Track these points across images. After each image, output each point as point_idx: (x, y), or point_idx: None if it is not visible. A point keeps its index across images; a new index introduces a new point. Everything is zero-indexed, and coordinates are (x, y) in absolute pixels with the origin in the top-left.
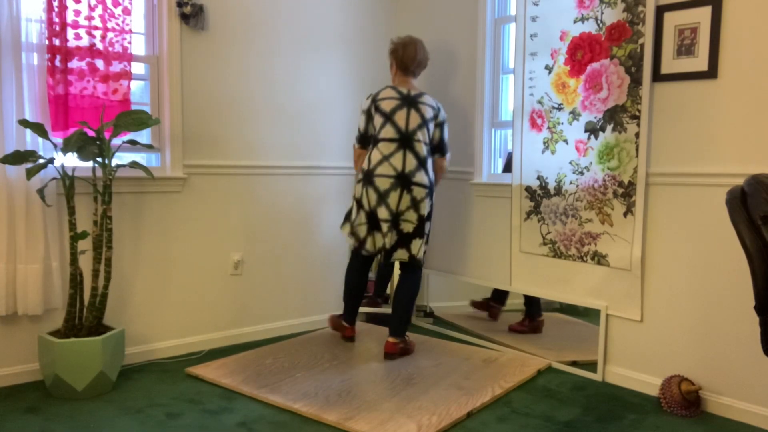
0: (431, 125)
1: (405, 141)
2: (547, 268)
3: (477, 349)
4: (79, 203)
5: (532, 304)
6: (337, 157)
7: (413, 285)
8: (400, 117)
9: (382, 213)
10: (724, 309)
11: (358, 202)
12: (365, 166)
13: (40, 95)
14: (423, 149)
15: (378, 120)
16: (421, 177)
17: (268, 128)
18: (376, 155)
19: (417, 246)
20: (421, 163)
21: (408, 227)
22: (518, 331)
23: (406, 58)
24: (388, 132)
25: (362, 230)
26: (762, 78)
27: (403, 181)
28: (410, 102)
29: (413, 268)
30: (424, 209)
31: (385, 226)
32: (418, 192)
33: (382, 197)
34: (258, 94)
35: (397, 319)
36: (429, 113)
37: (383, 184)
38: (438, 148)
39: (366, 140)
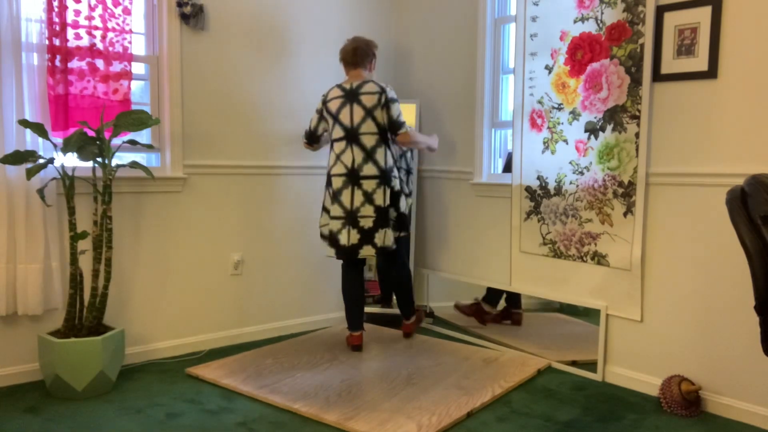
0: (376, 112)
1: (351, 137)
2: (547, 268)
3: (477, 349)
4: (79, 203)
5: (511, 296)
6: None
7: (400, 272)
8: (344, 115)
9: (335, 210)
10: (724, 309)
11: (323, 204)
12: (327, 169)
13: (40, 95)
14: (370, 140)
15: (330, 121)
16: (368, 169)
17: (268, 128)
18: (332, 156)
19: (381, 237)
20: (368, 155)
21: (367, 222)
22: (496, 322)
23: (344, 53)
24: (338, 132)
25: (324, 231)
26: (762, 78)
27: (353, 177)
28: (352, 96)
29: (392, 259)
30: (380, 199)
31: (337, 224)
32: (368, 185)
33: (335, 196)
34: (258, 93)
35: (404, 304)
36: (371, 102)
37: (336, 182)
38: (390, 127)
39: (312, 137)
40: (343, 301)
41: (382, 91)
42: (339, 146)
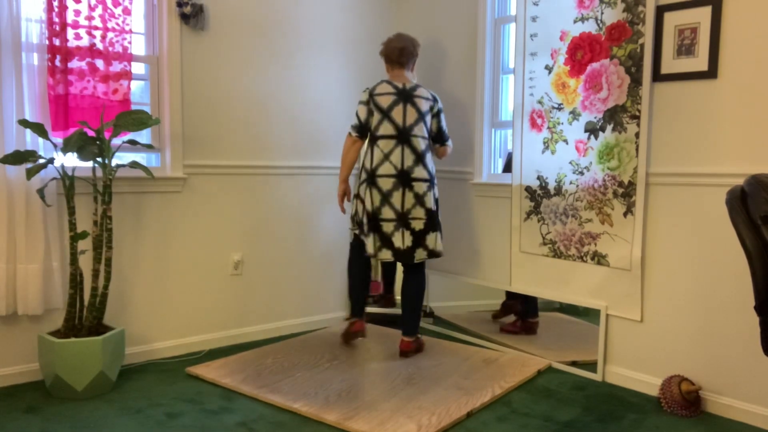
0: (428, 118)
1: (403, 137)
2: (547, 268)
3: (477, 349)
4: (79, 203)
5: (527, 304)
6: (337, 157)
7: (420, 281)
8: (397, 113)
9: (386, 213)
10: (724, 309)
11: (363, 202)
12: (368, 165)
13: (40, 95)
14: (421, 144)
15: (376, 116)
16: (419, 172)
17: (268, 128)
18: (377, 154)
19: (433, 240)
20: (419, 158)
21: (419, 224)
22: (510, 332)
23: (390, 50)
24: (387, 129)
25: (364, 230)
26: (762, 78)
27: (404, 178)
28: (406, 96)
29: (418, 266)
30: (430, 202)
31: (390, 226)
32: (419, 187)
33: (386, 197)
34: (258, 94)
35: (409, 318)
36: (425, 106)
37: (386, 184)
38: (437, 138)
39: (364, 131)
40: (348, 284)
41: (435, 99)
42: (386, 144)
